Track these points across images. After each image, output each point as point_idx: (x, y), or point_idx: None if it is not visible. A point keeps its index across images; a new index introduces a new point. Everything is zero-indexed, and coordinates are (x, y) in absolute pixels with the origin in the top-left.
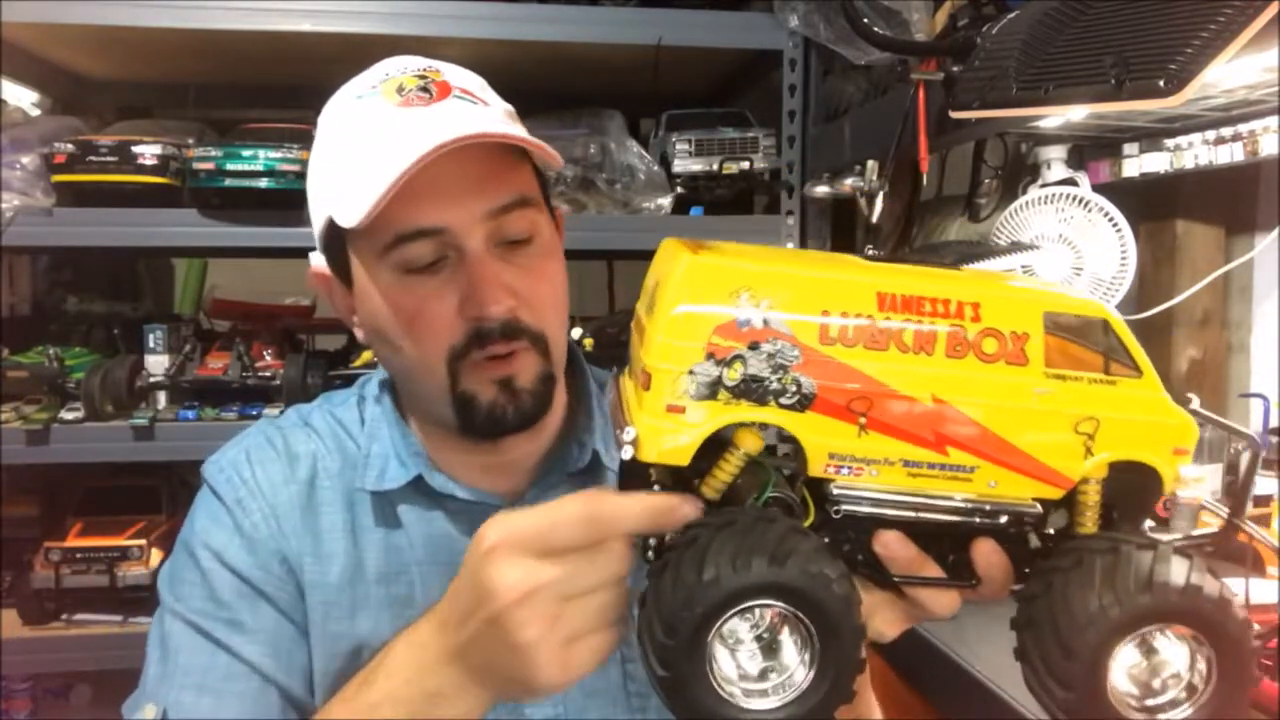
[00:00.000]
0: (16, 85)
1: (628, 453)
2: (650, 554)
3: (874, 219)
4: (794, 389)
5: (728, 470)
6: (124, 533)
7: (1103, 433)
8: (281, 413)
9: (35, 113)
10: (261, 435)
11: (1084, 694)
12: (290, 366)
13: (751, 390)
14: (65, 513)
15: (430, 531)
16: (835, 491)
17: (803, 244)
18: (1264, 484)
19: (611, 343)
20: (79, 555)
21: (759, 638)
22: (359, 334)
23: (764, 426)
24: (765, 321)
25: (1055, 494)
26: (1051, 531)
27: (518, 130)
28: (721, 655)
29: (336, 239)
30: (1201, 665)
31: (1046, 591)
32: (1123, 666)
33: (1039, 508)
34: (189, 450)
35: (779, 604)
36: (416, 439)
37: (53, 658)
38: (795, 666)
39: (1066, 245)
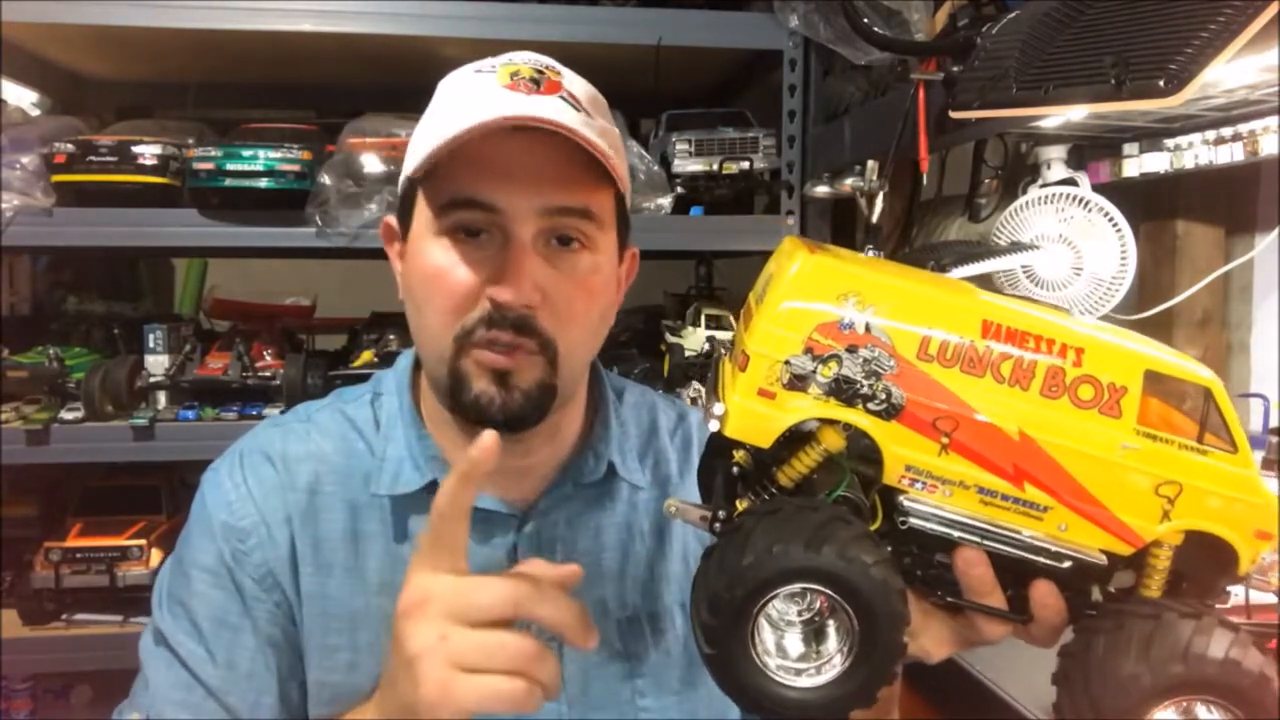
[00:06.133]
0: (16, 85)
1: (714, 425)
2: (717, 526)
3: (874, 219)
4: (883, 397)
5: (805, 463)
6: (124, 533)
7: (1184, 499)
8: (285, 410)
9: (35, 113)
10: (259, 440)
11: None
12: (290, 366)
13: (842, 390)
14: (65, 513)
15: None
16: (906, 503)
17: None
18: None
19: (612, 342)
20: (79, 555)
21: (809, 622)
22: (402, 293)
23: (846, 428)
24: (867, 327)
25: (1124, 550)
26: (1114, 590)
27: (598, 141)
28: (767, 634)
29: (410, 191)
30: None
31: (1085, 650)
32: None
33: (1104, 560)
34: (189, 450)
35: (816, 587)
36: (433, 441)
37: (53, 658)
38: (835, 652)
39: (1066, 245)
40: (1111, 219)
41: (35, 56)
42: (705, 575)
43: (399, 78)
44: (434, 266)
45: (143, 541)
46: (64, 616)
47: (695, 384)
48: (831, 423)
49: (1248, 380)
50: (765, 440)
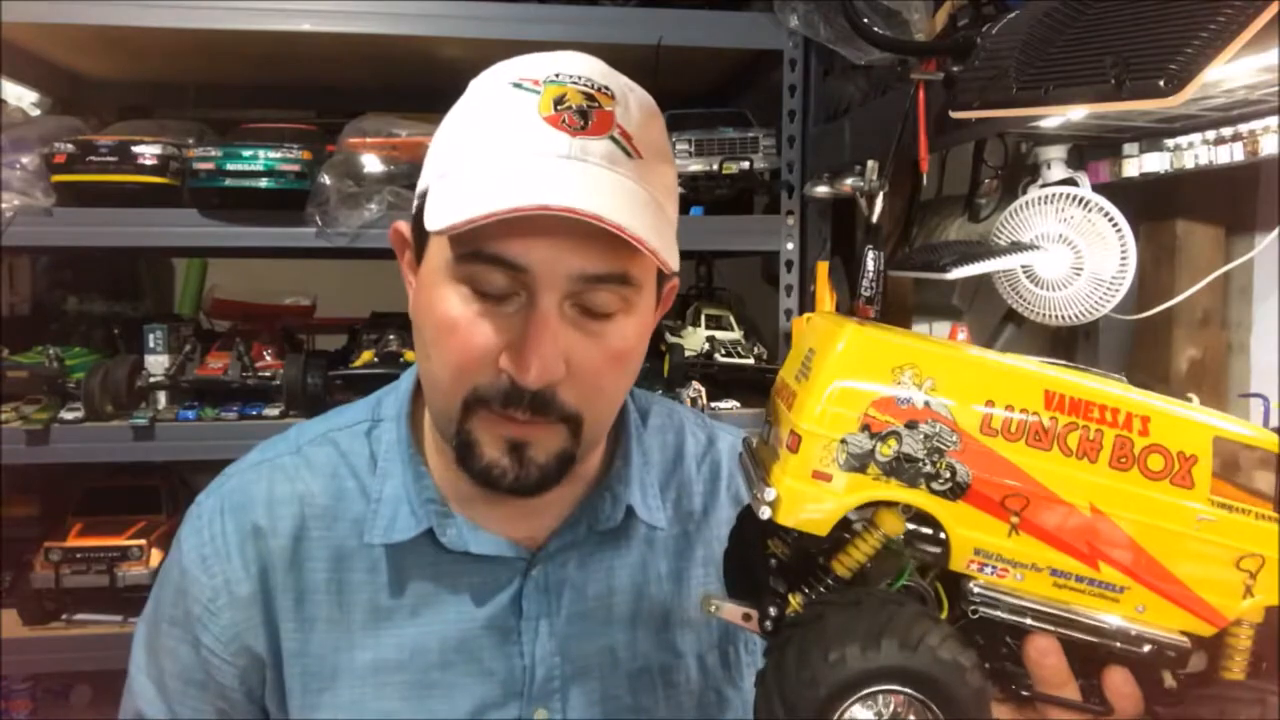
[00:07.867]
0: (16, 85)
1: (765, 513)
2: (768, 624)
3: (874, 219)
4: (948, 475)
5: (864, 550)
6: (124, 533)
7: (1267, 573)
8: (283, 414)
9: (35, 113)
10: (245, 483)
11: None
12: (290, 366)
13: (903, 470)
14: (65, 513)
15: (437, 589)
16: (976, 590)
17: (803, 244)
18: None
19: None
20: (79, 555)
21: None
22: (411, 310)
23: (905, 510)
24: (926, 402)
25: (1205, 631)
26: (1187, 675)
27: (646, 236)
28: None
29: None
30: None
31: None
32: None
33: (1187, 642)
34: (189, 450)
35: (909, 691)
36: (432, 480)
37: (53, 658)
38: None
39: (1066, 245)
40: (1111, 219)
41: (35, 56)
42: (780, 670)
43: (399, 78)
44: (448, 318)
45: (143, 541)
46: (64, 616)
47: (695, 384)
48: (890, 506)
49: (1248, 380)
50: (822, 527)
